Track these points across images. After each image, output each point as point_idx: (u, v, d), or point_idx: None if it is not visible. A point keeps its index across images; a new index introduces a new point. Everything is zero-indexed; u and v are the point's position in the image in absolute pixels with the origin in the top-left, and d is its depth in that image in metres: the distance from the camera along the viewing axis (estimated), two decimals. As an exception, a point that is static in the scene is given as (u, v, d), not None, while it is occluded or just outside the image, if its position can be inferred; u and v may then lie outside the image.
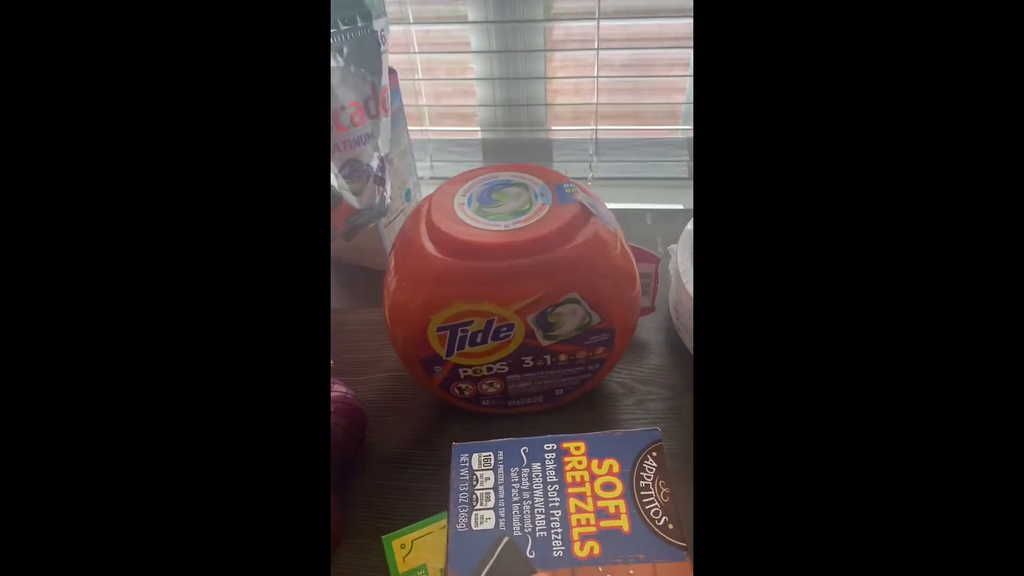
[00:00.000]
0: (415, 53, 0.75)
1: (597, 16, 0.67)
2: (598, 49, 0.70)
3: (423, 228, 0.38)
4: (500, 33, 0.73)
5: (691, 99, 0.77)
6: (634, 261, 0.41)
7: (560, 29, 0.74)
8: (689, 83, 0.76)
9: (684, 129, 0.79)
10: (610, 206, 0.75)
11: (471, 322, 0.37)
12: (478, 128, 0.82)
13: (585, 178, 0.79)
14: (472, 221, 0.36)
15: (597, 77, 0.72)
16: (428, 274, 0.36)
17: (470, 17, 0.72)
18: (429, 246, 0.37)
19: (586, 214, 0.38)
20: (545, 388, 0.43)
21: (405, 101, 0.59)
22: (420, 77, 0.77)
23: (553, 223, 0.36)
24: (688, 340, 0.48)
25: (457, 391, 0.42)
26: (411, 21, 0.72)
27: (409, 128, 0.60)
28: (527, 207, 0.37)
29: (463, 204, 0.38)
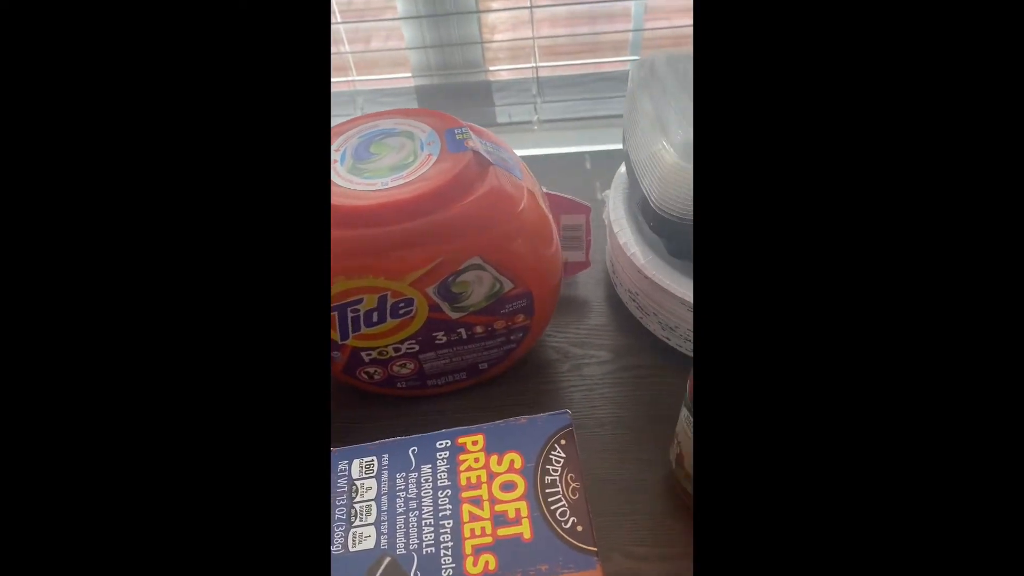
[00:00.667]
0: (327, -7, 0.67)
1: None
2: (528, -27, 0.62)
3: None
4: (419, -37, 0.65)
5: (639, 26, 0.70)
6: (549, 214, 0.35)
7: (487, -46, 0.66)
8: (634, 7, 0.69)
9: (632, 60, 0.72)
10: (559, 150, 0.69)
11: (360, 300, 0.32)
12: (409, 75, 0.74)
13: (530, 122, 0.73)
14: (344, 182, 0.31)
15: (533, 7, 0.65)
16: (301, 248, 0.31)
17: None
18: (300, 215, 0.31)
19: (482, 163, 0.32)
20: (467, 363, 0.38)
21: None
22: (339, 20, 0.69)
23: (441, 177, 0.30)
24: (626, 293, 0.43)
25: (365, 376, 0.38)
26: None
27: (333, 79, 0.53)
28: (411, 159, 0.32)
29: (335, 162, 0.32)
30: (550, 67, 0.71)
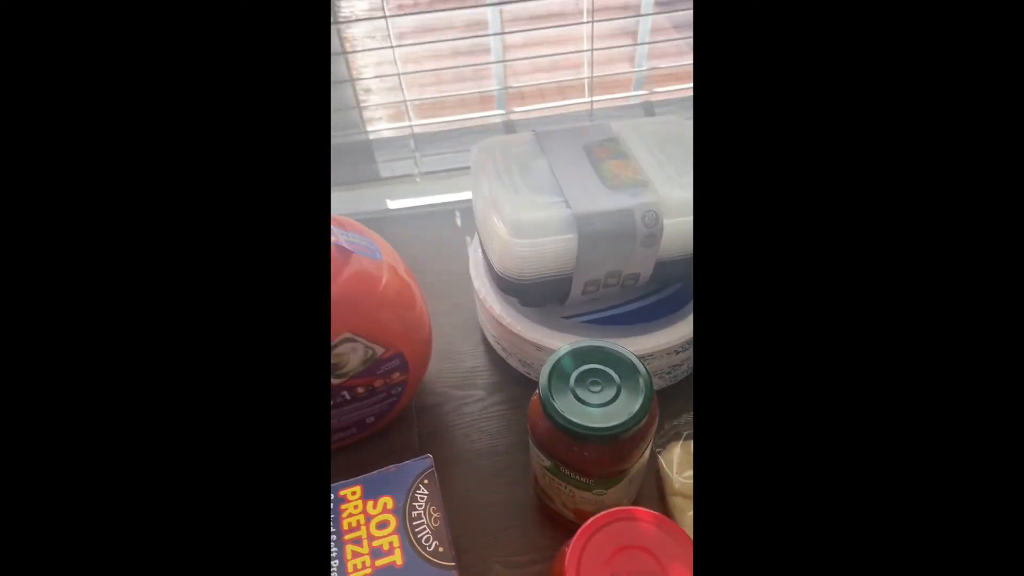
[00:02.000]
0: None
1: (384, 15, 0.67)
2: (393, 47, 0.69)
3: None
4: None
5: (502, 84, 0.79)
6: (411, 281, 0.42)
7: (354, 28, 0.72)
8: (497, 69, 0.77)
9: (499, 113, 0.80)
10: (441, 198, 0.76)
11: (249, 380, 0.37)
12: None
13: (412, 175, 0.79)
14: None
15: (400, 75, 0.72)
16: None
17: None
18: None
19: (344, 254, 0.38)
20: (355, 420, 0.44)
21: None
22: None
23: (307, 271, 0.36)
24: (491, 337, 0.50)
25: (264, 441, 0.43)
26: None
27: None
28: (280, 258, 0.37)
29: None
30: (424, 124, 0.78)
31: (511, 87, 0.79)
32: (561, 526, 0.41)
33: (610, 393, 0.34)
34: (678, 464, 0.43)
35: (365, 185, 0.80)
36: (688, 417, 0.45)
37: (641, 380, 0.34)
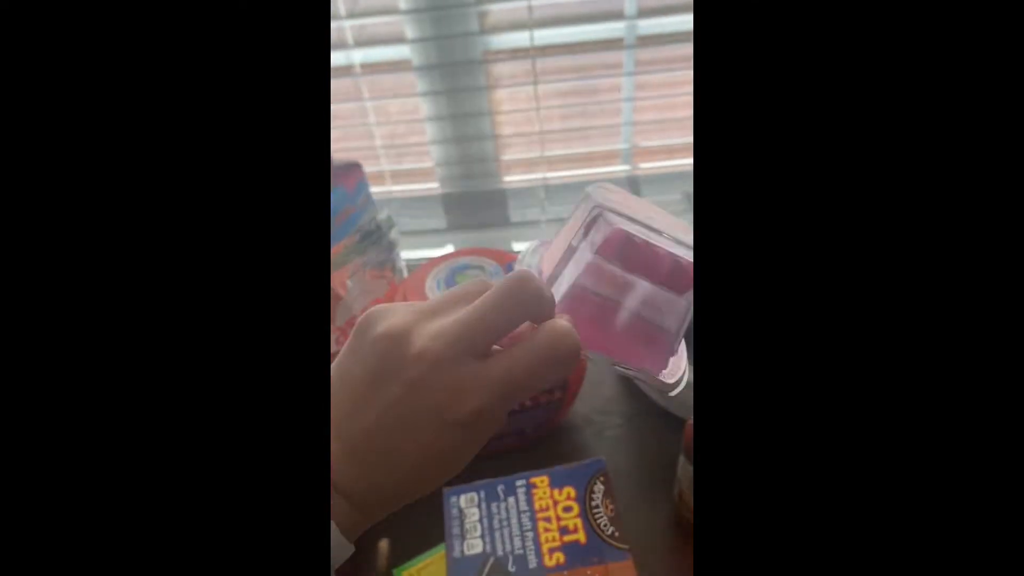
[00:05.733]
0: (372, 124, 0.85)
1: (534, 81, 0.78)
2: (538, 108, 0.81)
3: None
4: (448, 99, 0.83)
5: (628, 142, 0.89)
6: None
7: (501, 92, 0.85)
8: (624, 129, 0.87)
9: (624, 169, 0.90)
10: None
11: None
12: (437, 184, 0.92)
13: (539, 221, 0.90)
14: (441, 304, 0.47)
15: (542, 133, 0.83)
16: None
17: (419, 89, 0.82)
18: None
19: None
20: (515, 429, 0.53)
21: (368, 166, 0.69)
22: (380, 144, 0.87)
23: (506, 299, 0.46)
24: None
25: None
26: (365, 97, 0.82)
27: (372, 189, 0.68)
28: (484, 287, 0.48)
29: (432, 288, 0.48)
30: (556, 177, 0.89)
31: (637, 145, 0.89)
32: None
33: (760, 419, 0.41)
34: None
35: (495, 228, 0.91)
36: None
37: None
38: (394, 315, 0.24)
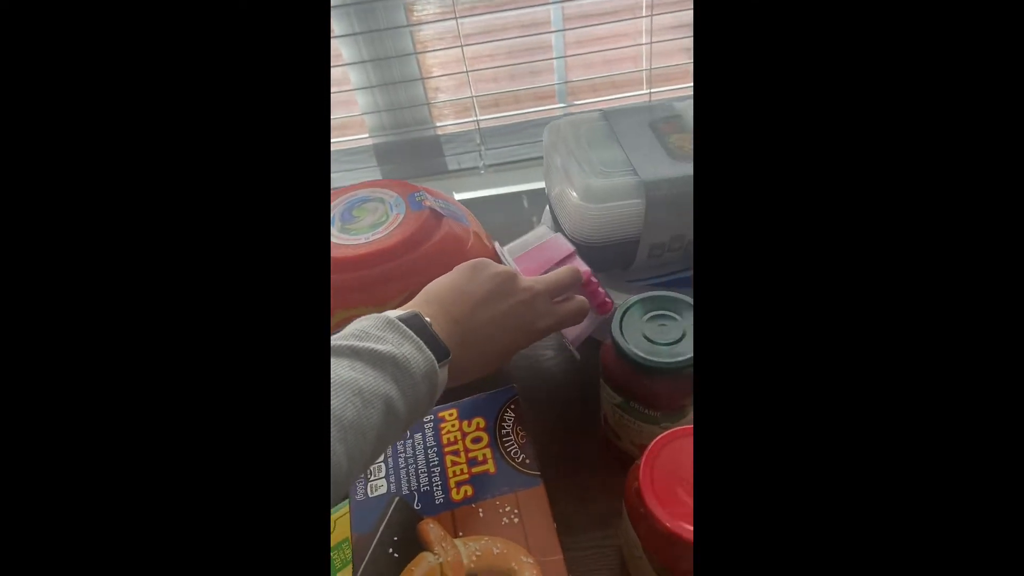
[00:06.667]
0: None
1: (455, 16, 0.75)
2: (462, 46, 0.77)
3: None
4: (369, 43, 0.79)
5: (563, 79, 0.86)
6: (492, 245, 0.49)
7: (426, 29, 0.81)
8: (558, 64, 0.84)
9: (560, 107, 0.87)
10: (503, 190, 0.83)
11: (355, 326, 0.45)
12: (367, 135, 0.88)
13: (477, 167, 0.87)
14: (337, 239, 0.44)
15: (468, 71, 0.80)
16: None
17: (336, 31, 0.78)
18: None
19: (437, 217, 0.45)
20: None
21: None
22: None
23: (407, 230, 0.44)
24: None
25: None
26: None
27: None
28: (383, 219, 0.45)
29: (334, 219, 0.45)
30: (489, 119, 0.86)
31: (571, 81, 0.86)
32: (627, 465, 0.46)
33: (677, 334, 0.40)
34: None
35: (434, 178, 0.88)
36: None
37: (704, 321, 0.40)
38: (499, 264, 0.40)
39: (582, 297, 0.42)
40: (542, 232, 0.48)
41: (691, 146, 0.49)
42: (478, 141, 0.87)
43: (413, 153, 0.88)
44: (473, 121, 0.85)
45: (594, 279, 0.45)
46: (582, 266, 0.45)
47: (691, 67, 0.86)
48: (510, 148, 0.87)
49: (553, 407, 0.52)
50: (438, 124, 0.87)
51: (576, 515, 0.45)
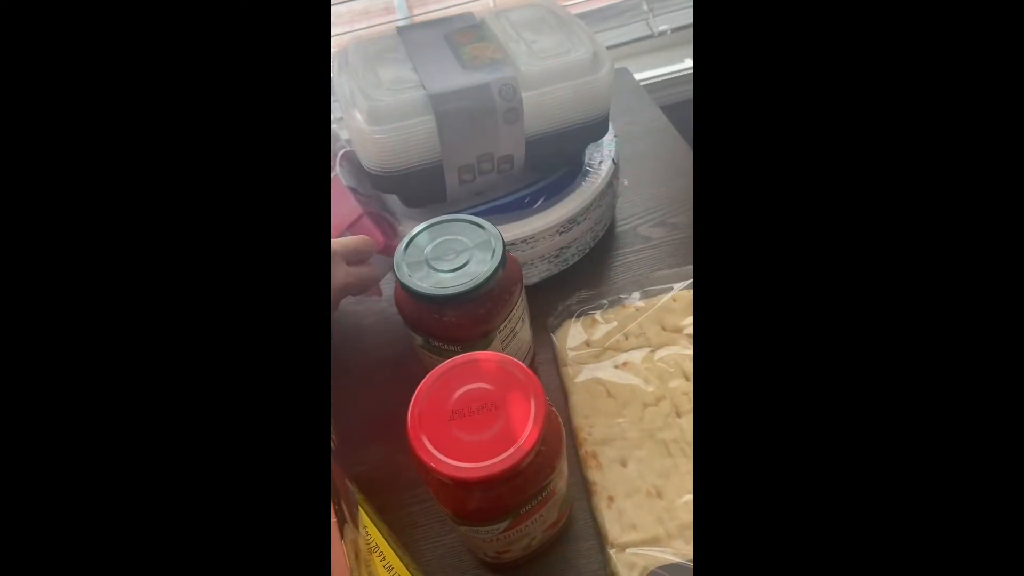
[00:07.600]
0: None
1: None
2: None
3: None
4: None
5: None
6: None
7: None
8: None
9: (404, 19, 0.80)
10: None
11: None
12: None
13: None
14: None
15: None
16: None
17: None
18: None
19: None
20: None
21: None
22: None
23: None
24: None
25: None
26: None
27: None
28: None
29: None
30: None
31: None
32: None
33: (463, 259, 0.36)
34: (570, 338, 0.45)
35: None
36: (581, 295, 0.47)
37: (492, 242, 0.36)
38: None
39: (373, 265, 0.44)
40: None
41: (487, 55, 0.44)
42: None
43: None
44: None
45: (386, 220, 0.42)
46: (376, 234, 0.46)
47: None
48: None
49: (381, 368, 0.49)
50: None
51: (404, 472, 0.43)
